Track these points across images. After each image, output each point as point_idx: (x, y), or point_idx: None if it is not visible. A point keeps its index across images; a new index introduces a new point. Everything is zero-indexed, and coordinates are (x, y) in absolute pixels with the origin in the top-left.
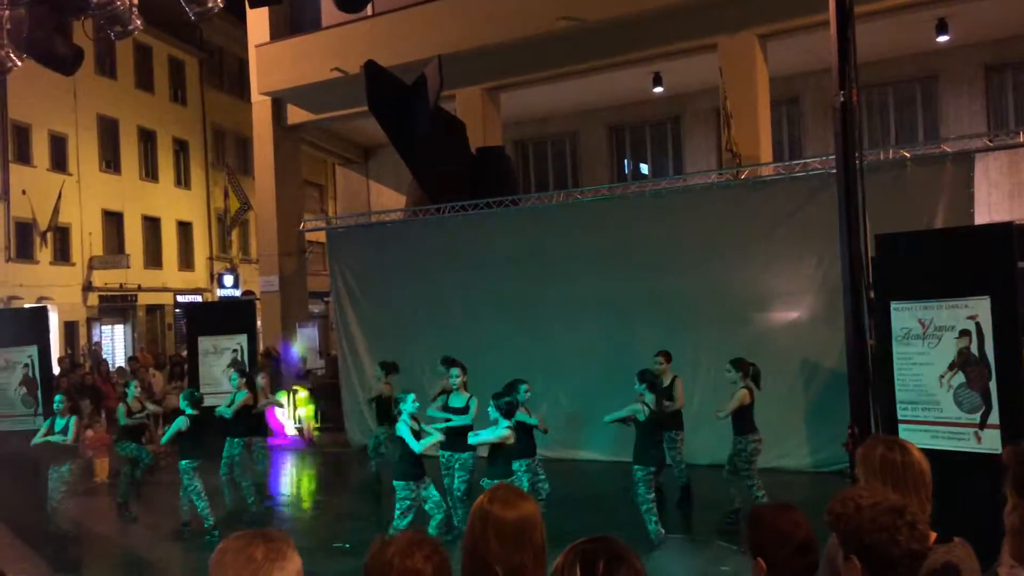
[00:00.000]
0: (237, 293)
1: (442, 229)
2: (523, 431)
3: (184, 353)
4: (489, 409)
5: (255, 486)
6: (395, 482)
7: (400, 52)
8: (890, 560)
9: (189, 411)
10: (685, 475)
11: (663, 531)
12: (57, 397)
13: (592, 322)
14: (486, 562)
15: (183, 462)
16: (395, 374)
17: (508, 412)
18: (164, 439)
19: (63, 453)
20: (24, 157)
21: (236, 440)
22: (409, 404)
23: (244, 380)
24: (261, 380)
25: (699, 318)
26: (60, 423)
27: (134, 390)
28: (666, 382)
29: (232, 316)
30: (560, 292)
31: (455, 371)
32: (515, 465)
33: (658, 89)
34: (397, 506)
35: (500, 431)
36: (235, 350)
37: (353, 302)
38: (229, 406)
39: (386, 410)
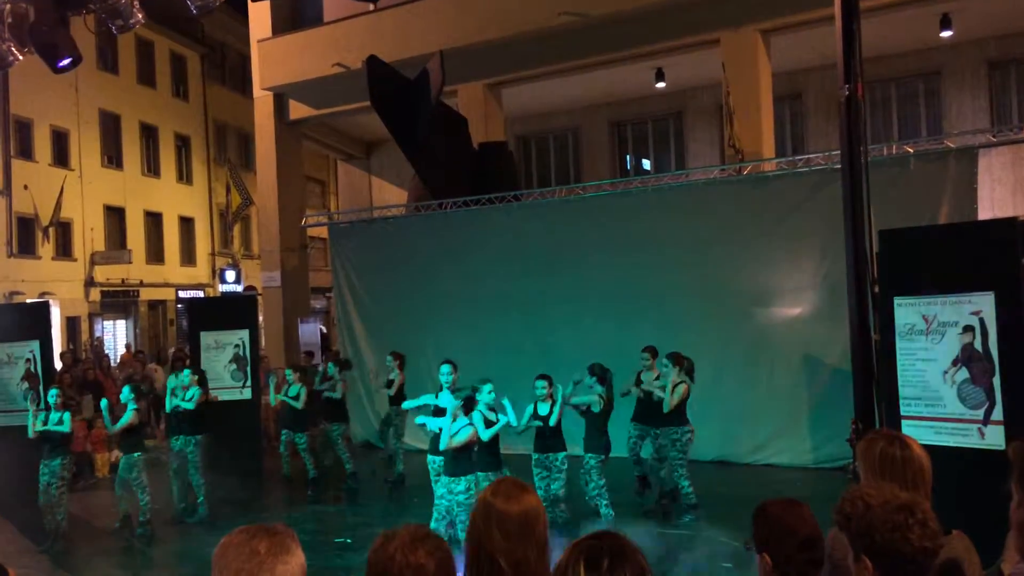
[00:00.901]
0: (239, 288)
1: (444, 224)
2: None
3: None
4: (448, 406)
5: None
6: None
7: (402, 47)
8: (902, 559)
9: (133, 405)
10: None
11: (613, 512)
12: (52, 391)
13: (594, 317)
14: (490, 555)
15: (134, 455)
16: (349, 370)
17: (467, 408)
18: (116, 427)
19: (55, 448)
20: (26, 152)
21: (192, 438)
22: (485, 395)
23: (196, 377)
24: (293, 376)
25: (701, 314)
26: (55, 417)
27: (188, 379)
28: (652, 377)
29: (234, 311)
30: (561, 287)
31: (447, 368)
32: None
33: (660, 84)
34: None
35: (468, 430)
36: (237, 345)
37: (355, 297)
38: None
39: (335, 407)
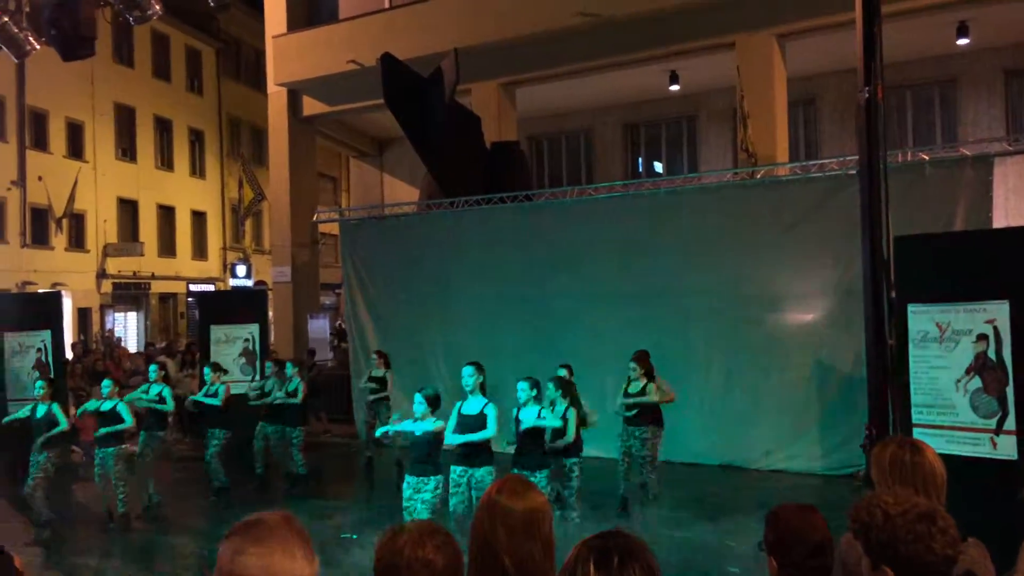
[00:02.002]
0: (249, 283)
1: (455, 223)
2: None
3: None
4: (416, 405)
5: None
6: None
7: (417, 45)
8: (925, 568)
9: (119, 401)
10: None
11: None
12: (38, 383)
13: (603, 319)
14: (494, 553)
15: (109, 449)
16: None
17: (434, 403)
18: (107, 429)
19: (47, 441)
20: (41, 143)
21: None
22: (522, 394)
23: (163, 374)
24: (294, 371)
25: (712, 318)
26: (42, 409)
27: (210, 374)
28: (639, 388)
29: (244, 305)
30: (571, 289)
31: (469, 370)
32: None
33: (674, 87)
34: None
35: (437, 424)
36: (247, 339)
37: (364, 294)
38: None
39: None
